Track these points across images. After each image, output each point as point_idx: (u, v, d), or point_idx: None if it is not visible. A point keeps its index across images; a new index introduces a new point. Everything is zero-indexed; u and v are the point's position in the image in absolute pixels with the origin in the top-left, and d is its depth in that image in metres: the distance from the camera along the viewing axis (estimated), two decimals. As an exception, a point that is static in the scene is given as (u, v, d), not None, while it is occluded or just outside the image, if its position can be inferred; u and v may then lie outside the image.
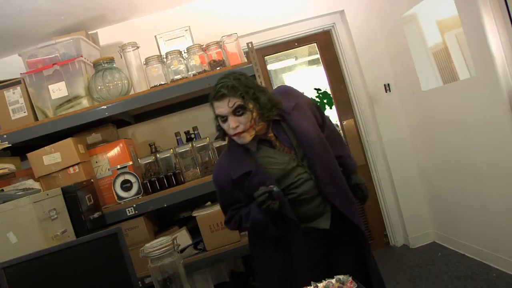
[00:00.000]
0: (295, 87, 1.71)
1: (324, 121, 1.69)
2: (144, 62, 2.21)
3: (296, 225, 1.48)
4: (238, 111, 1.42)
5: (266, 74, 3.36)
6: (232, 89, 1.40)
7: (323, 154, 1.53)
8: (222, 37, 2.27)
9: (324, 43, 3.31)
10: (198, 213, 2.13)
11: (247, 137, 1.46)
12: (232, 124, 1.42)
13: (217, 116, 1.47)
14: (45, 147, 2.01)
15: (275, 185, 1.41)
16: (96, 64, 2.15)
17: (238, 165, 1.49)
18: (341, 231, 1.56)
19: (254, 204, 1.44)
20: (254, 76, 2.15)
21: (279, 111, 1.50)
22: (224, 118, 1.44)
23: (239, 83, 1.41)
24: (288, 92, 1.66)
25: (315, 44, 3.32)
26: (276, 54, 3.48)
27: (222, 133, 1.54)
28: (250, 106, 1.42)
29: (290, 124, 1.52)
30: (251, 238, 1.67)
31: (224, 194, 1.55)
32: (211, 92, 1.45)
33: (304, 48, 4.01)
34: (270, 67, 3.60)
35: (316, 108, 1.68)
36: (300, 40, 3.25)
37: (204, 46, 2.23)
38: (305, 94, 1.81)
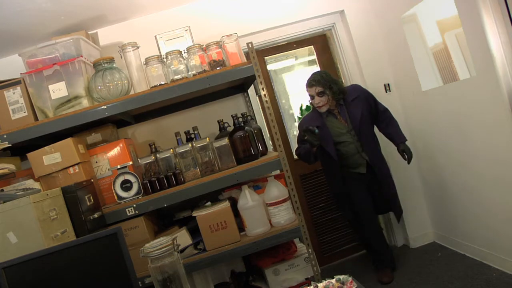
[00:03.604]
0: (360, 86, 2.84)
1: (377, 107, 2.77)
2: (144, 62, 2.21)
3: (336, 163, 2.67)
4: (320, 94, 2.63)
5: (266, 75, 3.36)
6: (317, 81, 2.62)
7: (364, 129, 2.67)
8: (222, 37, 2.27)
9: (321, 46, 3.34)
10: (198, 213, 2.13)
11: (323, 109, 2.69)
12: (316, 101, 2.66)
13: (308, 95, 2.71)
14: (45, 147, 2.01)
15: (316, 128, 2.50)
16: (96, 64, 2.15)
17: (313, 121, 2.70)
18: (371, 176, 2.75)
19: (304, 146, 2.63)
20: (254, 76, 2.15)
21: (343, 97, 2.69)
22: (312, 97, 2.67)
23: (321, 78, 2.62)
24: (355, 89, 2.77)
25: (312, 46, 3.35)
26: (276, 55, 3.48)
27: (312, 104, 2.74)
28: (327, 92, 2.62)
29: (348, 108, 2.70)
30: (325, 172, 2.91)
31: (300, 135, 2.67)
32: (307, 81, 2.68)
33: (304, 48, 4.02)
34: (270, 67, 3.60)
35: (372, 99, 2.76)
36: (298, 42, 3.27)
37: (204, 46, 2.23)
38: (368, 90, 2.82)
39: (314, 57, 3.52)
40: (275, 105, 3.44)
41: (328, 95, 2.62)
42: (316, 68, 3.42)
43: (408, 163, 2.76)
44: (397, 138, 2.76)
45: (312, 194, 3.36)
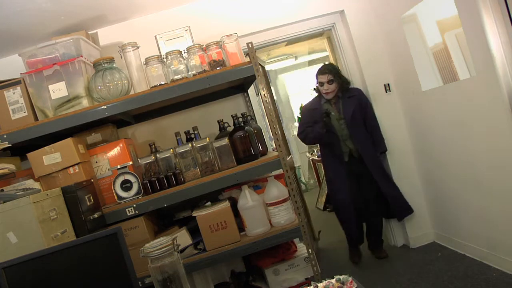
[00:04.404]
0: (362, 91, 3.18)
1: (366, 113, 3.08)
2: (144, 62, 2.20)
3: (338, 137, 3.05)
4: (330, 81, 3.02)
5: (265, 75, 3.36)
6: (330, 70, 3.02)
7: (354, 121, 3.01)
8: (222, 37, 2.27)
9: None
10: (198, 213, 2.13)
11: (330, 95, 3.06)
12: (325, 87, 3.03)
13: (318, 82, 3.07)
14: (45, 147, 2.01)
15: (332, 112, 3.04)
16: (96, 64, 2.15)
17: (315, 105, 3.13)
18: (361, 170, 3.07)
19: (316, 125, 3.01)
20: (254, 76, 2.15)
21: (344, 90, 3.08)
22: (322, 84, 3.03)
23: (333, 68, 3.06)
24: (356, 89, 3.15)
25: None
26: (276, 54, 3.48)
27: (317, 91, 3.14)
28: (337, 80, 3.02)
29: (343, 102, 3.07)
30: (323, 154, 3.26)
31: (304, 117, 3.19)
32: (318, 69, 3.08)
33: (304, 48, 4.01)
34: (270, 67, 3.60)
35: (365, 104, 3.09)
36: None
37: (204, 46, 2.23)
38: (367, 97, 3.16)
39: (314, 56, 3.53)
40: (274, 106, 3.44)
41: (337, 84, 3.03)
42: (318, 67, 3.42)
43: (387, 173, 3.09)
44: (378, 147, 3.09)
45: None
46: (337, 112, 3.07)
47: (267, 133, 3.52)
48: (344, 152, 3.08)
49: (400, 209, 3.09)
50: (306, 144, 3.28)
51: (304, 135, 3.11)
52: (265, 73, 3.37)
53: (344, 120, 3.03)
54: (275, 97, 3.52)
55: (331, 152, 3.12)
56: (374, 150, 3.07)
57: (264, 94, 2.17)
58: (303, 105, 3.25)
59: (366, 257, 3.32)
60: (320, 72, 3.06)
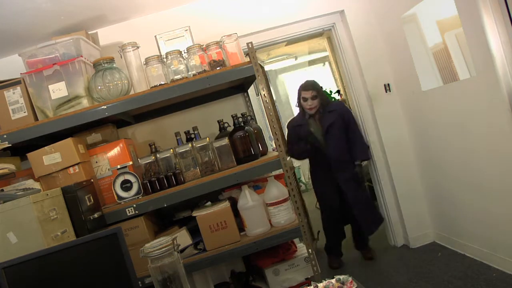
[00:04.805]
0: (344, 104, 3.46)
1: (348, 125, 3.17)
2: (144, 62, 2.20)
3: (322, 150, 3.14)
4: (314, 97, 3.12)
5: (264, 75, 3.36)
6: (313, 86, 3.15)
7: (331, 133, 3.11)
8: (222, 37, 2.27)
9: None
10: (198, 213, 2.13)
11: (313, 111, 3.16)
12: (309, 103, 3.13)
13: (301, 98, 3.17)
14: (45, 147, 2.01)
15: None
16: (96, 64, 2.15)
17: (300, 121, 3.22)
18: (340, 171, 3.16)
19: (301, 142, 3.15)
20: (254, 76, 2.14)
21: (324, 106, 3.19)
22: (306, 99, 3.13)
23: (316, 84, 3.19)
24: (337, 104, 3.35)
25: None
26: (276, 54, 3.49)
27: (300, 107, 3.24)
28: (319, 97, 3.14)
29: (323, 116, 3.16)
30: (310, 164, 3.36)
31: (289, 135, 3.26)
32: (301, 86, 3.17)
33: (304, 48, 4.01)
34: (270, 67, 3.60)
35: (347, 117, 3.17)
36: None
37: (204, 46, 2.23)
38: (348, 108, 3.35)
39: (314, 56, 3.54)
40: (273, 106, 3.45)
41: (319, 100, 3.14)
42: (318, 67, 3.49)
43: (358, 182, 3.17)
44: (355, 156, 3.16)
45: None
46: (320, 126, 3.16)
47: (267, 133, 3.52)
48: (328, 161, 3.15)
49: (367, 222, 3.14)
50: (296, 159, 3.43)
51: (291, 153, 3.26)
52: (264, 73, 3.37)
53: (323, 132, 3.15)
54: (274, 97, 3.53)
55: (317, 163, 3.25)
56: (349, 158, 3.14)
57: (264, 94, 2.17)
58: (288, 122, 3.38)
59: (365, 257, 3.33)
60: (304, 88, 3.15)
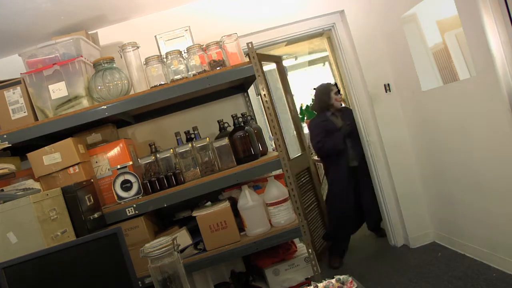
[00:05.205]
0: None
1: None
2: (144, 62, 2.20)
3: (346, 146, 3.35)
4: (338, 92, 3.47)
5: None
6: (334, 85, 3.54)
7: (354, 129, 3.33)
8: (222, 37, 2.27)
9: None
10: (198, 213, 2.13)
11: (342, 103, 3.53)
12: (339, 96, 3.45)
13: (332, 93, 3.41)
14: (45, 147, 2.01)
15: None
16: (96, 64, 2.15)
17: (323, 117, 3.42)
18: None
19: (334, 135, 3.30)
20: (254, 76, 2.14)
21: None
22: (337, 93, 3.44)
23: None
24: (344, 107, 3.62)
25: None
26: (276, 54, 3.49)
27: (324, 105, 3.46)
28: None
29: (342, 114, 3.45)
30: (328, 162, 3.52)
31: (316, 128, 3.40)
32: (325, 86, 3.51)
33: (304, 48, 4.02)
34: (270, 67, 3.61)
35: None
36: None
37: (204, 46, 2.23)
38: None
39: (314, 56, 3.55)
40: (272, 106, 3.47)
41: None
42: (318, 67, 3.55)
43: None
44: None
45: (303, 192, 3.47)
46: (342, 121, 3.38)
47: (267, 133, 3.52)
48: (352, 159, 3.35)
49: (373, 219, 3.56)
50: (321, 153, 3.48)
51: (322, 144, 3.32)
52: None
53: (347, 128, 3.34)
54: (273, 97, 3.54)
55: (338, 160, 3.36)
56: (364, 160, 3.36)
57: (264, 94, 2.17)
58: (309, 120, 3.74)
59: (365, 257, 3.33)
60: (329, 86, 3.47)
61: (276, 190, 2.17)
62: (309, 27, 3.14)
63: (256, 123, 2.70)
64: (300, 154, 3.74)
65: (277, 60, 3.77)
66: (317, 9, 3.09)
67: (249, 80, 2.47)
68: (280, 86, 3.82)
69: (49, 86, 2.12)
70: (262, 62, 3.39)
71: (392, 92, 3.18)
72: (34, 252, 1.36)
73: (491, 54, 2.12)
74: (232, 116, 2.31)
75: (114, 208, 2.06)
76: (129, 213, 2.06)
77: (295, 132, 3.89)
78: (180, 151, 2.21)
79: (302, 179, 3.60)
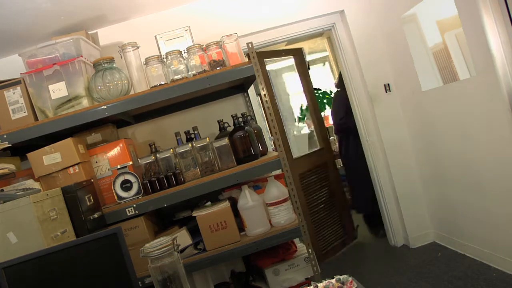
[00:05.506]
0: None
1: None
2: (144, 62, 2.20)
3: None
4: None
5: (266, 76, 3.36)
6: None
7: None
8: (222, 37, 2.27)
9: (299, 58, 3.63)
10: (198, 213, 2.13)
11: None
12: None
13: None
14: (45, 147, 2.01)
15: None
16: (96, 64, 2.15)
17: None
18: None
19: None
20: (254, 76, 2.14)
21: None
22: None
23: None
24: None
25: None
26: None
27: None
28: None
29: None
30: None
31: (340, 106, 3.78)
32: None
33: (304, 48, 4.01)
34: (270, 67, 3.60)
35: None
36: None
37: (204, 46, 2.23)
38: None
39: (314, 56, 3.54)
40: (275, 106, 3.45)
41: None
42: (318, 67, 3.52)
43: None
44: None
45: (309, 192, 3.42)
46: None
47: (267, 133, 3.52)
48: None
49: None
50: (342, 130, 3.83)
51: (344, 121, 3.73)
52: (267, 75, 3.38)
53: None
54: (276, 97, 3.53)
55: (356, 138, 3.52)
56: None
57: (264, 94, 2.17)
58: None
59: (365, 257, 3.33)
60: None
61: (276, 190, 2.17)
62: (309, 27, 3.14)
63: (256, 123, 2.70)
64: (316, 149, 3.67)
65: (295, 53, 3.69)
66: (317, 9, 3.09)
67: (249, 80, 2.47)
68: (299, 79, 3.77)
69: (49, 86, 2.12)
70: (272, 59, 3.42)
71: (392, 92, 3.18)
72: (34, 252, 1.36)
73: (491, 54, 2.12)
74: (232, 116, 2.31)
75: (114, 208, 2.06)
76: (129, 213, 2.06)
77: (311, 128, 3.93)
78: (180, 151, 2.21)
79: (317, 175, 3.53)
